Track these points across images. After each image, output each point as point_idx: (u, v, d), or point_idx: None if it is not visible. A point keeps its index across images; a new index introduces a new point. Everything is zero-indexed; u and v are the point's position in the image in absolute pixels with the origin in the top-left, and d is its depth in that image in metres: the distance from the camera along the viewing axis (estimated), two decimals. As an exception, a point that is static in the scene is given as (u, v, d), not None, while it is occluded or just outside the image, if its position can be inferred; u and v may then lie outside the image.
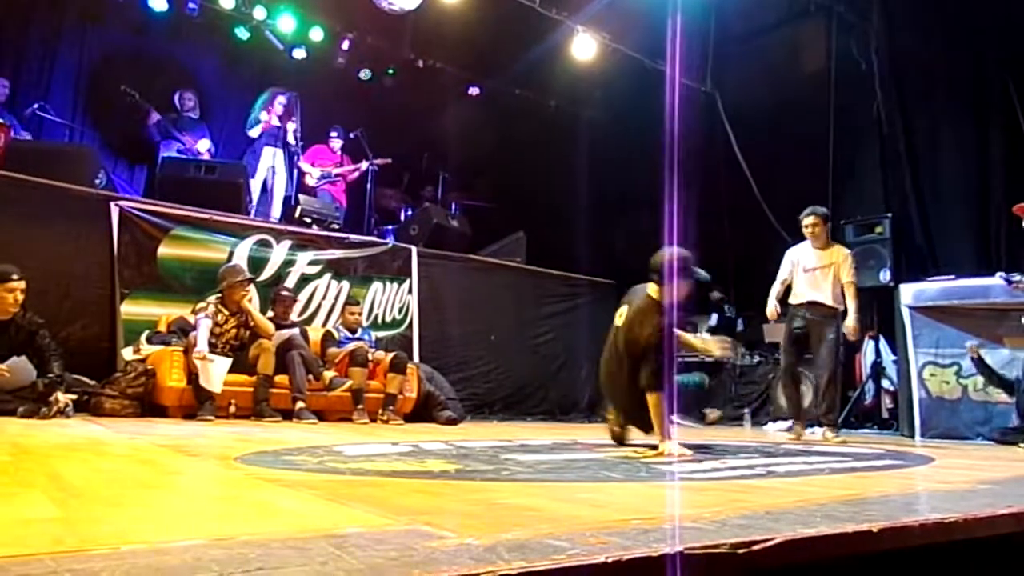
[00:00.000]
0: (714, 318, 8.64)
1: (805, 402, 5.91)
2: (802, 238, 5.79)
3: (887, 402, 7.27)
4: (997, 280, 5.38)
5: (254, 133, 7.85)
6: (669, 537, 1.28)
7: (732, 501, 1.91)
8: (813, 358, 5.61)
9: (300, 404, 5.54)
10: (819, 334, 5.52)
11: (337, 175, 8.57)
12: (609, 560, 1.10)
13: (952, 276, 6.39)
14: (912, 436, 6.26)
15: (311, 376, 5.76)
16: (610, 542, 1.23)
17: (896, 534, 1.44)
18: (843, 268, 5.56)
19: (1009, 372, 5.71)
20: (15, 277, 4.76)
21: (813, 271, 5.61)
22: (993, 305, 5.74)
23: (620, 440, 4.02)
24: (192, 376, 5.27)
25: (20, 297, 4.78)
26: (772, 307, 5.74)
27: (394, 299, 7.34)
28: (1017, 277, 5.26)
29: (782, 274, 5.75)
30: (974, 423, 6.04)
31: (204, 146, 7.71)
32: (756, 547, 1.24)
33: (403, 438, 4.24)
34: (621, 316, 3.83)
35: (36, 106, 7.05)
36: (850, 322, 5.49)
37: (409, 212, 9.06)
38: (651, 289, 3.72)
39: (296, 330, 6.05)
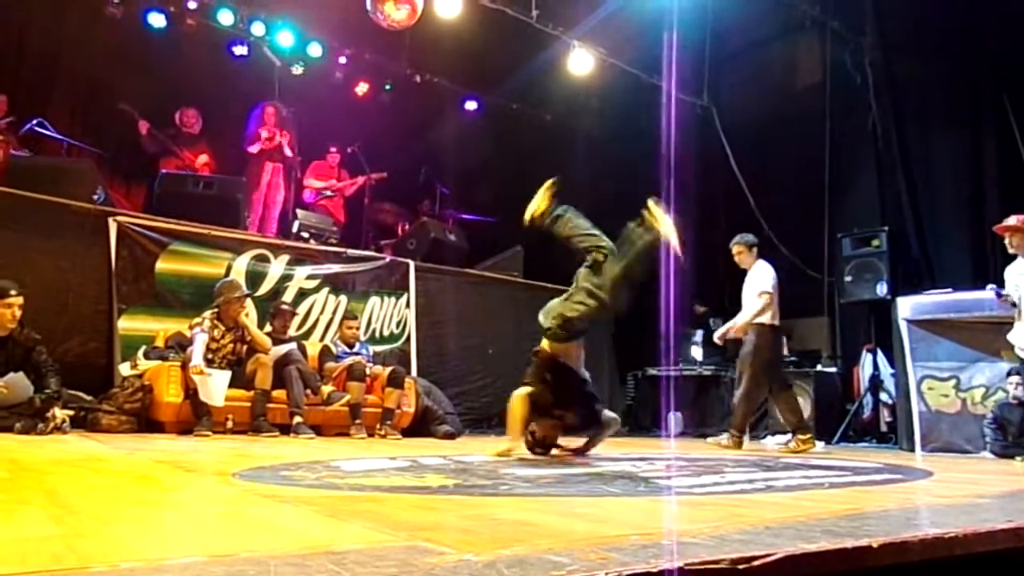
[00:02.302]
0: (699, 333, 8.66)
1: (805, 412, 6.26)
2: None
3: (885, 415, 7.27)
4: (989, 293, 5.43)
5: (254, 149, 7.85)
6: (668, 552, 1.28)
7: (731, 516, 1.91)
8: None
9: (298, 419, 5.52)
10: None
11: (335, 190, 8.59)
12: (609, 576, 1.10)
13: (949, 289, 6.41)
14: (911, 450, 6.25)
15: (309, 391, 5.74)
16: (609, 558, 1.23)
17: (896, 549, 1.44)
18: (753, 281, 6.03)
19: (1007, 386, 5.72)
20: (13, 293, 4.76)
21: (744, 292, 6.12)
22: (990, 318, 5.75)
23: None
24: (189, 391, 5.26)
25: (18, 313, 4.78)
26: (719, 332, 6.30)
27: (392, 313, 7.34)
28: (1006, 291, 5.30)
29: None
30: (973, 437, 6.03)
31: (202, 161, 7.72)
32: (756, 562, 1.23)
33: (401, 453, 4.22)
34: None
35: (35, 122, 7.06)
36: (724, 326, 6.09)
37: (406, 226, 9.07)
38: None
39: (294, 345, 6.04)
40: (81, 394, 5.27)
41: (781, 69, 9.00)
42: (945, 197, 7.49)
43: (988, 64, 7.22)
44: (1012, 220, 5.36)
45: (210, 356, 5.48)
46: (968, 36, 7.36)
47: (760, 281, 5.95)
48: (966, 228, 7.25)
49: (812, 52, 8.72)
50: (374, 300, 7.24)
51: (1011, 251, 5.39)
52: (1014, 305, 5.24)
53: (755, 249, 6.17)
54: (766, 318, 5.86)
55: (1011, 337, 5.36)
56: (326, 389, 5.91)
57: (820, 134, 8.33)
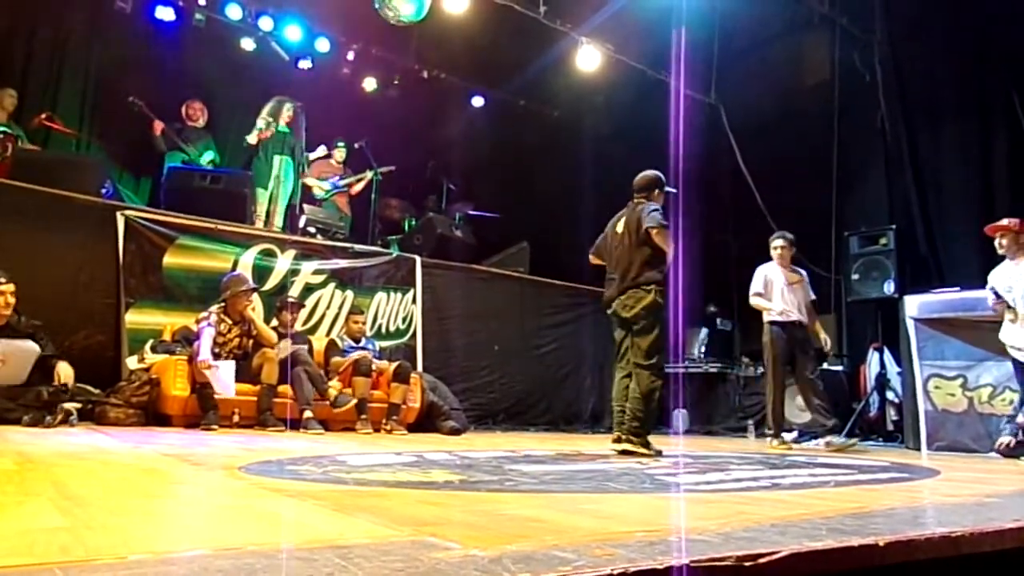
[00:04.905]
0: (704, 332, 8.65)
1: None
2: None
3: (892, 414, 7.24)
4: (990, 292, 5.48)
5: (251, 139, 7.80)
6: (674, 549, 1.28)
7: (737, 513, 1.91)
8: None
9: (308, 414, 5.54)
10: None
11: (343, 184, 8.59)
12: (614, 572, 1.10)
13: (957, 288, 6.38)
14: (917, 448, 6.23)
15: (316, 393, 5.75)
16: (615, 554, 1.23)
17: (902, 548, 1.43)
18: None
19: (1014, 385, 5.69)
20: (1, 280, 4.72)
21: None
22: (998, 317, 5.72)
23: None
24: (196, 385, 5.27)
25: (11, 300, 4.74)
26: None
27: (398, 309, 7.34)
28: (999, 296, 5.36)
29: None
30: (979, 436, 6.00)
31: (208, 157, 7.72)
32: (762, 560, 1.23)
33: (407, 448, 4.23)
34: None
35: (43, 116, 7.09)
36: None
37: (413, 222, 9.08)
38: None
39: (303, 347, 6.03)
40: (89, 387, 5.29)
41: (789, 66, 8.96)
42: (954, 195, 7.44)
43: (997, 62, 7.16)
44: (1005, 221, 5.41)
45: (216, 350, 5.49)
46: (977, 33, 7.30)
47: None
48: (975, 227, 7.16)
49: (820, 49, 8.67)
50: (380, 295, 7.25)
51: (1000, 252, 5.48)
52: (1009, 307, 5.28)
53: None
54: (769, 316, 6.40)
55: (1003, 336, 5.39)
56: (333, 391, 5.89)
57: (828, 132, 8.30)
